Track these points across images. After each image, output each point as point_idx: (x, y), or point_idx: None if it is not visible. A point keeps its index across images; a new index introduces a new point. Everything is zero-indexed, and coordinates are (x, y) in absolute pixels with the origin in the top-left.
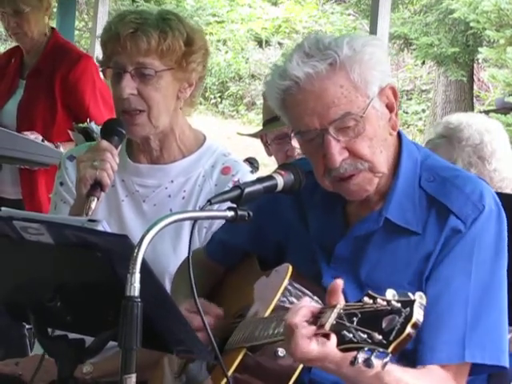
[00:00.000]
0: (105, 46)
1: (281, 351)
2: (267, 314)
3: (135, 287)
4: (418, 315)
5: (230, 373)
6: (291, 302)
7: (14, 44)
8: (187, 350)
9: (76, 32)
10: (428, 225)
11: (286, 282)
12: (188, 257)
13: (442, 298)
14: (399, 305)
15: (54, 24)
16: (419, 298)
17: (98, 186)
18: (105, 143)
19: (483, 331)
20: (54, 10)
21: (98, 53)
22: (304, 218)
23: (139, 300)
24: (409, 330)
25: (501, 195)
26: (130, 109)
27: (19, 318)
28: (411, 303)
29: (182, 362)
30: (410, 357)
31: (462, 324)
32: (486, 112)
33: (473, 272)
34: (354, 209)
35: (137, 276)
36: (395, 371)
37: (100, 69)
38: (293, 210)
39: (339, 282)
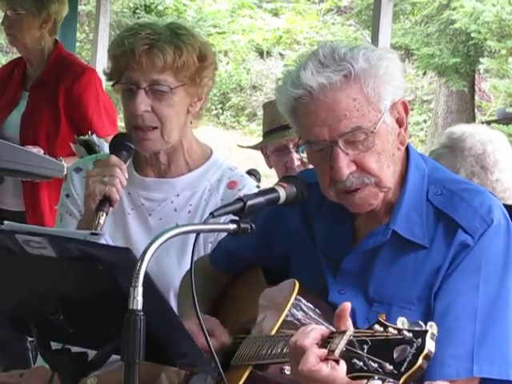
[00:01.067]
0: (116, 61)
1: (287, 369)
2: (274, 330)
3: (138, 300)
4: (430, 346)
5: None
6: (297, 319)
7: (15, 56)
8: (190, 363)
9: (77, 44)
10: (436, 239)
11: (292, 298)
12: (191, 272)
13: (450, 312)
14: (411, 335)
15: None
16: (431, 329)
17: (106, 201)
18: (114, 158)
19: (491, 345)
20: None
21: (99, 64)
22: (310, 230)
23: (142, 313)
24: (421, 361)
25: (503, 206)
26: (143, 126)
27: (21, 331)
28: (423, 334)
29: (185, 376)
30: None
31: (470, 338)
32: (488, 122)
33: (481, 286)
34: (362, 222)
35: (139, 289)
36: None
37: (110, 83)
38: (299, 222)
39: (347, 306)
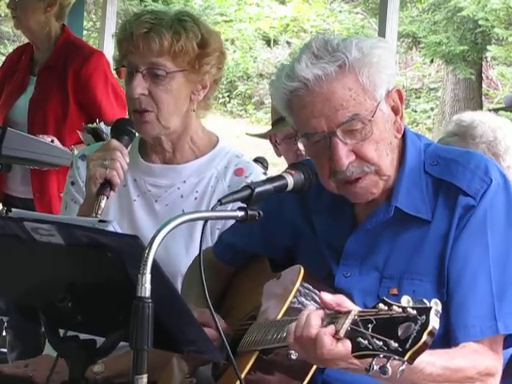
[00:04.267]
0: (120, 45)
1: (293, 354)
2: (280, 316)
3: (146, 288)
4: (435, 323)
5: (243, 375)
6: (303, 304)
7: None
8: (198, 350)
9: (84, 32)
10: (438, 208)
11: (297, 284)
12: (199, 260)
13: (465, 274)
14: (415, 312)
15: None
16: (435, 305)
17: (107, 184)
18: (115, 142)
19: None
20: None
21: (106, 52)
22: (310, 221)
23: (150, 301)
24: (425, 337)
25: None
26: (140, 109)
27: (30, 319)
28: (427, 310)
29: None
30: (439, 342)
31: (488, 296)
32: (495, 110)
33: (489, 244)
34: (362, 208)
35: (147, 277)
36: (422, 355)
37: (113, 68)
38: (298, 213)
39: (340, 296)
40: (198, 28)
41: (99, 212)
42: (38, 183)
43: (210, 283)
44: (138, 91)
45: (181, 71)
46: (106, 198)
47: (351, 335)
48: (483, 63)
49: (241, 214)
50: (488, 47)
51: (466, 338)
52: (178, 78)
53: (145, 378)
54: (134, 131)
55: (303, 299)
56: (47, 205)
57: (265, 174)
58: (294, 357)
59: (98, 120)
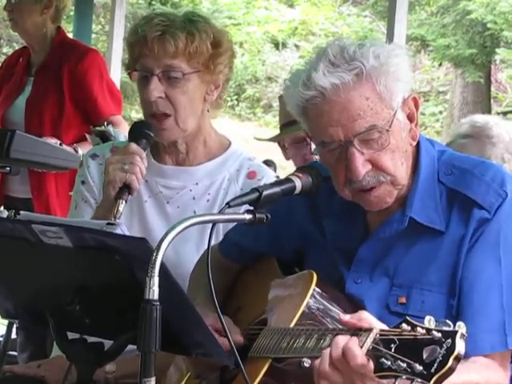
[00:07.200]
0: (131, 49)
1: (306, 362)
2: (293, 323)
3: (154, 291)
4: (461, 347)
5: (256, 383)
6: (315, 311)
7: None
8: (206, 353)
9: (93, 35)
10: (452, 220)
11: (311, 290)
12: (207, 265)
13: (476, 287)
14: (440, 335)
15: (71, 27)
16: (460, 329)
17: (126, 189)
18: (134, 146)
19: None
20: (71, 13)
21: (115, 55)
22: (319, 224)
23: (158, 303)
24: (451, 362)
25: None
26: (157, 112)
27: (38, 322)
28: (453, 334)
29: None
30: None
31: (499, 310)
32: (504, 113)
33: (502, 258)
34: (375, 215)
35: (155, 279)
36: None
37: (126, 71)
38: (308, 216)
39: (360, 313)
40: (209, 28)
41: (118, 216)
42: (35, 182)
43: (217, 283)
44: (154, 94)
45: (196, 72)
46: (124, 202)
47: (373, 354)
48: (492, 66)
49: (248, 216)
50: (497, 50)
51: (475, 351)
52: (194, 79)
53: (153, 381)
54: (151, 134)
55: (316, 306)
56: (45, 203)
57: (277, 177)
58: (306, 365)
59: (105, 123)
